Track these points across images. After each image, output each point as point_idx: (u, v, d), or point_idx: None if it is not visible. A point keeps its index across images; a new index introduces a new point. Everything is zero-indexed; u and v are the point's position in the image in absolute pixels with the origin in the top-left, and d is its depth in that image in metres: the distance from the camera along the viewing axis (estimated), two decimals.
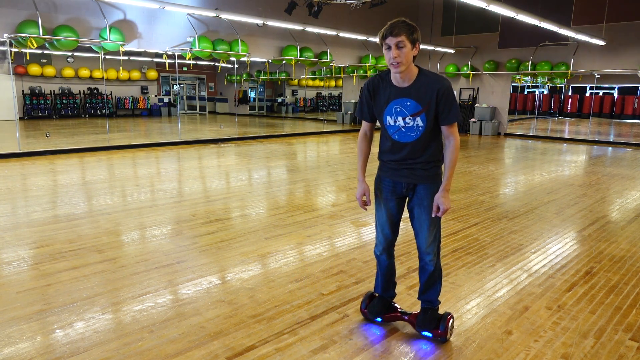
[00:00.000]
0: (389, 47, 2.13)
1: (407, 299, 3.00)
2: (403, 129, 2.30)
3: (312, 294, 3.04)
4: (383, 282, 2.66)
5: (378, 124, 2.45)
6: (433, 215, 2.36)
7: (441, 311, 2.64)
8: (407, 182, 2.40)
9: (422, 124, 2.26)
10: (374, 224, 2.56)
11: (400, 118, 2.28)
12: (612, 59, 12.73)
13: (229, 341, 2.45)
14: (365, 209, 2.55)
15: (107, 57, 15.83)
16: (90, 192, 5.93)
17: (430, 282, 2.54)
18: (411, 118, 2.26)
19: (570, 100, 25.34)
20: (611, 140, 14.26)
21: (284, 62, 13.03)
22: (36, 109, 17.67)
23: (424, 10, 16.28)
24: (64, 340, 2.44)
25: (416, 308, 2.86)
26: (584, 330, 2.63)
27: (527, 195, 6.21)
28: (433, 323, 2.48)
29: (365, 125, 2.49)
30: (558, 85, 24.95)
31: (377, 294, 2.71)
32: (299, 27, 11.19)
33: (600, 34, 12.23)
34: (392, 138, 2.35)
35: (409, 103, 2.24)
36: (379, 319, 2.64)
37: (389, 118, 2.31)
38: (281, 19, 10.73)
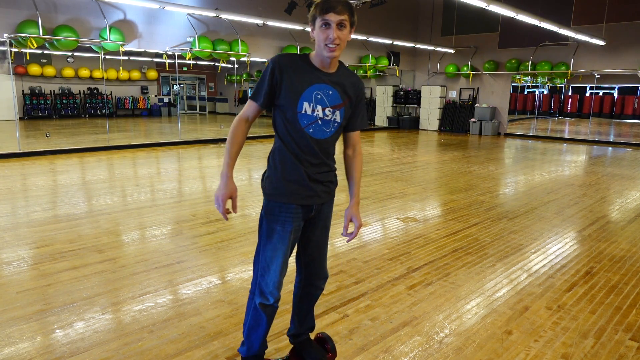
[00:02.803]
0: (328, 25, 1.76)
1: (407, 298, 3.00)
2: (320, 122, 1.88)
3: None
4: (266, 333, 2.10)
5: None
6: (346, 235, 2.04)
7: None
8: (318, 202, 1.96)
9: (339, 120, 1.92)
10: (265, 264, 1.96)
11: (319, 107, 1.87)
12: (612, 59, 12.73)
13: (229, 341, 2.45)
14: (227, 219, 1.91)
15: (107, 57, 15.84)
16: (90, 192, 5.93)
17: (313, 304, 2.24)
18: (331, 110, 1.89)
19: (570, 100, 25.34)
20: (611, 140, 14.26)
21: None
22: (36, 109, 17.67)
23: (424, 10, 16.28)
24: (64, 340, 2.44)
25: (417, 308, 2.87)
26: (584, 330, 2.63)
27: (527, 195, 6.21)
28: (322, 351, 2.26)
29: (251, 108, 1.92)
30: (558, 85, 24.95)
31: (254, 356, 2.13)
32: (299, 27, 11.19)
33: (600, 34, 12.23)
34: (304, 132, 1.87)
35: (331, 92, 1.88)
36: None
37: (306, 105, 1.85)
38: (281, 19, 10.74)
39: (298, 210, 1.93)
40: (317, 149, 1.89)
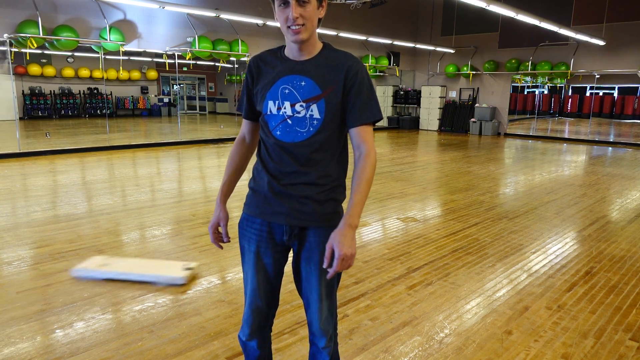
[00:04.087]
0: (286, 3, 1.44)
1: (407, 298, 3.00)
2: (289, 121, 1.52)
3: None
4: None
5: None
6: (324, 266, 1.48)
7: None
8: (288, 222, 1.57)
9: (318, 116, 1.51)
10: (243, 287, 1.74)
11: (287, 104, 1.51)
12: (612, 59, 12.73)
13: (229, 341, 2.45)
14: (221, 247, 1.71)
15: (107, 57, 15.83)
16: (90, 192, 5.93)
17: None
18: (303, 105, 1.51)
19: (570, 100, 25.34)
20: (611, 140, 14.26)
21: None
22: (36, 109, 17.66)
23: (424, 10, 16.28)
24: (64, 340, 2.44)
25: (417, 308, 2.87)
26: (584, 330, 2.63)
27: (527, 195, 6.21)
28: None
29: (243, 123, 1.70)
30: (558, 85, 24.95)
31: None
32: None
33: (600, 34, 12.23)
34: (272, 135, 1.55)
35: (303, 83, 1.51)
36: None
37: (270, 104, 1.53)
38: None
39: (263, 228, 1.60)
40: (288, 155, 1.53)
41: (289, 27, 1.45)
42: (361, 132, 1.55)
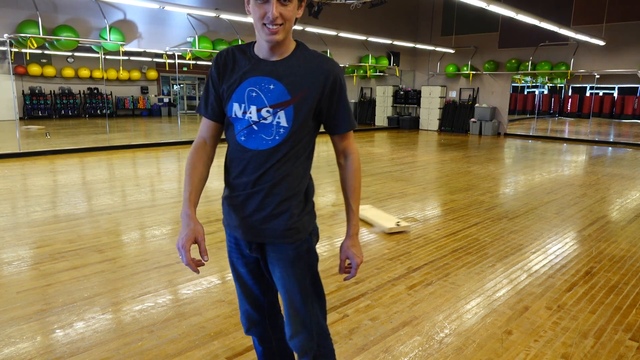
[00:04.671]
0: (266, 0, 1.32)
1: (406, 298, 3.00)
2: (255, 127, 1.41)
3: None
4: None
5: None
6: (344, 275, 1.57)
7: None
8: (244, 238, 1.51)
9: (285, 124, 1.40)
10: None
11: (253, 108, 1.40)
12: (612, 59, 12.73)
13: (229, 341, 2.46)
14: (197, 271, 1.42)
15: (107, 57, 15.83)
16: (90, 192, 5.93)
17: None
18: (270, 110, 1.39)
19: (570, 100, 25.34)
20: (611, 140, 14.26)
21: None
22: (36, 109, 17.66)
23: (424, 10, 16.28)
24: (64, 340, 2.44)
25: (417, 308, 2.87)
26: (584, 330, 2.63)
27: (527, 195, 6.21)
28: None
29: (204, 126, 1.53)
30: (558, 85, 24.95)
31: None
32: (299, 27, 11.19)
33: (600, 34, 12.23)
34: (236, 140, 1.45)
35: (272, 86, 1.39)
36: None
37: (236, 106, 1.42)
38: None
39: (231, 239, 1.58)
40: (251, 163, 1.42)
41: (264, 24, 1.33)
42: (345, 139, 1.52)
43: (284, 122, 1.40)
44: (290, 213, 1.45)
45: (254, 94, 1.41)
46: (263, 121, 1.40)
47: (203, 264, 1.41)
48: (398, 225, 4.36)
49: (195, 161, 1.50)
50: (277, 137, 1.40)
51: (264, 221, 1.46)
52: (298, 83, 1.40)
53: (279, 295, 1.64)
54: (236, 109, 1.42)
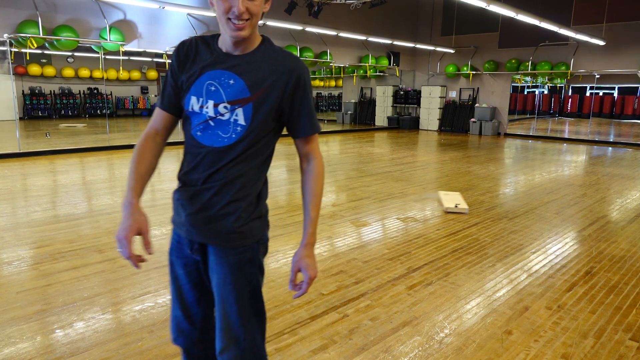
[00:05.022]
0: None
1: (407, 298, 3.00)
2: (211, 123, 1.34)
3: (312, 294, 3.04)
4: None
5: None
6: (292, 288, 1.44)
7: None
8: (187, 236, 1.43)
9: (243, 123, 1.33)
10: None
11: (211, 103, 1.33)
12: (612, 59, 12.73)
13: None
14: (138, 266, 1.35)
15: (107, 57, 15.84)
16: (90, 192, 5.93)
17: None
18: (228, 107, 1.33)
19: (570, 100, 25.35)
20: (611, 140, 14.27)
21: None
22: (36, 109, 17.66)
23: (424, 10, 16.28)
24: (64, 340, 2.44)
25: (417, 308, 2.87)
26: (584, 330, 2.63)
27: (527, 195, 6.21)
28: None
29: (157, 116, 1.44)
30: (558, 85, 24.96)
31: None
32: (299, 27, 11.19)
33: (600, 34, 12.24)
34: (192, 134, 1.38)
35: (232, 81, 1.33)
36: None
37: (193, 100, 1.35)
38: (281, 19, 10.73)
39: (174, 237, 1.49)
40: (204, 159, 1.35)
41: (229, 18, 1.27)
42: (311, 143, 1.44)
43: (241, 120, 1.33)
44: (237, 215, 1.37)
45: (212, 88, 1.34)
46: (220, 117, 1.33)
47: (145, 260, 1.32)
48: (456, 207, 5.16)
49: (144, 150, 1.39)
50: (233, 135, 1.33)
51: (209, 220, 1.37)
52: (259, 80, 1.33)
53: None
54: (193, 103, 1.35)
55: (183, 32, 10.76)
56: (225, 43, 1.36)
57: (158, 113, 1.43)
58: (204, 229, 1.38)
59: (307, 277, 1.40)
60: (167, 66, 1.28)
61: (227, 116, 1.33)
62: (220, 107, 1.33)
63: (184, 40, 1.41)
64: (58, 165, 7.91)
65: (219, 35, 1.39)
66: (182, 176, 1.41)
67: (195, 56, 1.38)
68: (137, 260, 1.31)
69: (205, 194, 1.36)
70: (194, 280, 1.48)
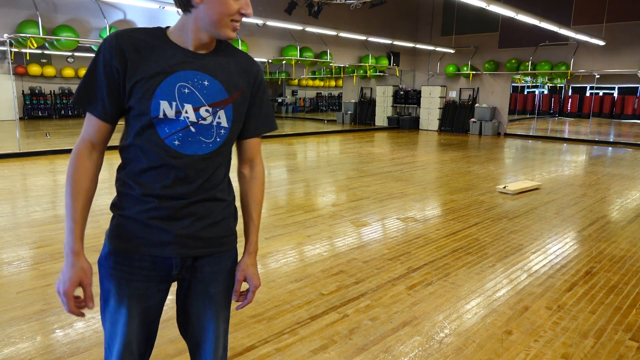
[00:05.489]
0: None
1: (407, 298, 3.00)
2: (192, 129, 1.22)
3: (312, 294, 3.04)
4: None
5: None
6: (235, 300, 1.38)
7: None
8: (178, 254, 1.27)
9: (226, 125, 1.26)
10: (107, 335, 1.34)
11: (189, 107, 1.21)
12: (612, 59, 12.74)
13: (228, 341, 2.45)
14: (83, 315, 1.28)
15: None
16: None
17: None
18: (209, 110, 1.23)
19: (570, 100, 25.35)
20: (611, 140, 14.27)
21: (284, 62, 13.03)
22: (36, 109, 17.67)
23: (424, 10, 16.28)
24: (64, 340, 2.44)
25: (417, 308, 2.87)
26: (584, 330, 2.63)
27: (527, 195, 6.21)
28: None
29: (92, 127, 1.23)
30: (558, 85, 24.96)
31: None
32: (299, 27, 11.19)
33: (600, 34, 12.24)
34: (165, 145, 1.21)
35: (206, 82, 1.23)
36: None
37: (164, 105, 1.19)
38: (281, 19, 10.74)
39: (144, 264, 1.26)
40: (185, 170, 1.22)
41: (233, 20, 1.19)
42: (256, 145, 1.38)
43: (224, 123, 1.25)
44: (233, 216, 1.39)
45: (186, 91, 1.20)
46: (202, 122, 1.22)
47: (89, 308, 1.22)
48: (504, 188, 6.21)
49: (81, 176, 1.19)
50: (217, 139, 1.25)
51: (208, 229, 1.29)
52: (234, 81, 1.27)
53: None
54: (165, 108, 1.18)
55: None
56: (186, 40, 1.22)
57: (93, 123, 1.21)
58: (200, 241, 1.28)
59: (252, 286, 1.38)
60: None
61: (209, 120, 1.23)
62: (202, 111, 1.22)
63: (121, 31, 1.19)
64: (58, 165, 7.91)
65: (164, 29, 1.25)
66: (161, 191, 1.22)
67: (150, 53, 1.18)
68: (79, 314, 1.24)
69: (200, 206, 1.26)
70: (162, 307, 1.38)
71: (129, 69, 1.16)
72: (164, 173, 1.21)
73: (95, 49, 10.06)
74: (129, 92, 1.18)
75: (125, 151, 1.26)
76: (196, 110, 1.21)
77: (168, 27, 1.26)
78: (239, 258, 1.42)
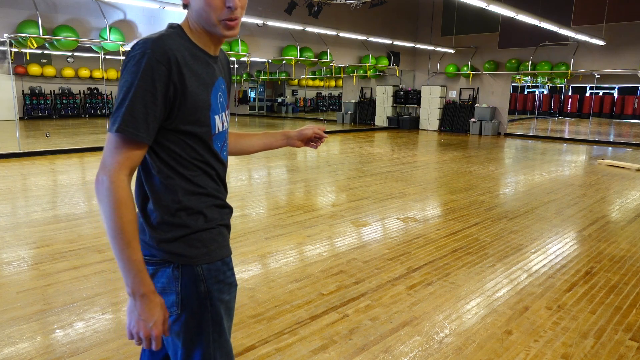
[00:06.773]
0: None
1: (407, 298, 3.00)
2: (225, 138, 1.26)
3: (312, 294, 3.04)
4: None
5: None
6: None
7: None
8: (230, 255, 1.29)
9: (227, 126, 1.28)
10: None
11: (223, 115, 1.23)
12: (612, 59, 12.73)
13: None
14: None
15: (107, 57, 15.83)
16: (90, 192, 5.93)
17: None
18: (226, 113, 1.26)
19: (570, 100, 25.35)
20: (611, 140, 14.27)
21: (284, 62, 13.03)
22: (36, 109, 17.67)
23: (424, 10, 16.28)
24: (64, 340, 2.44)
25: (417, 308, 2.87)
26: (584, 330, 2.63)
27: (527, 195, 6.21)
28: None
29: (135, 152, 1.06)
30: (558, 85, 24.96)
31: None
32: (299, 27, 11.19)
33: (600, 34, 12.23)
34: (221, 158, 1.22)
35: (223, 86, 1.23)
36: None
37: (217, 120, 1.18)
38: (281, 19, 10.74)
39: (227, 263, 1.26)
40: (224, 175, 1.26)
41: (223, 20, 1.10)
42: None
43: (226, 124, 1.26)
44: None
45: (221, 100, 1.19)
46: (225, 127, 1.25)
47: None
48: (603, 160, 6.73)
49: (130, 211, 1.04)
50: (225, 142, 1.26)
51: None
52: (228, 81, 1.29)
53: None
54: (217, 123, 1.17)
55: None
56: (206, 44, 1.16)
57: (135, 147, 1.05)
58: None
59: (309, 130, 1.52)
60: (145, 75, 1.00)
61: (226, 125, 1.23)
62: (223, 117, 1.22)
63: (163, 41, 1.05)
64: (58, 165, 7.91)
65: (183, 32, 1.14)
66: (224, 201, 1.25)
67: (194, 62, 1.11)
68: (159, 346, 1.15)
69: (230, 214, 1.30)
70: None
71: (182, 85, 1.07)
72: (222, 182, 1.24)
73: (96, 48, 10.12)
74: (178, 111, 1.08)
75: (177, 169, 1.13)
76: (222, 116, 1.23)
77: (179, 25, 1.15)
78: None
